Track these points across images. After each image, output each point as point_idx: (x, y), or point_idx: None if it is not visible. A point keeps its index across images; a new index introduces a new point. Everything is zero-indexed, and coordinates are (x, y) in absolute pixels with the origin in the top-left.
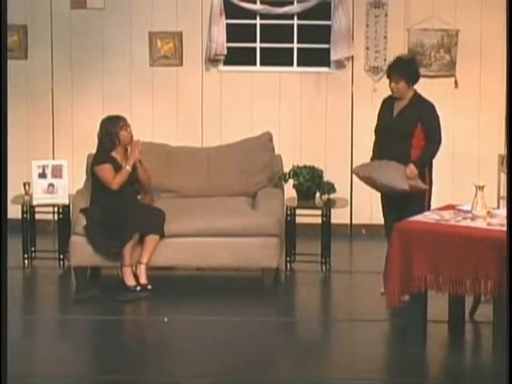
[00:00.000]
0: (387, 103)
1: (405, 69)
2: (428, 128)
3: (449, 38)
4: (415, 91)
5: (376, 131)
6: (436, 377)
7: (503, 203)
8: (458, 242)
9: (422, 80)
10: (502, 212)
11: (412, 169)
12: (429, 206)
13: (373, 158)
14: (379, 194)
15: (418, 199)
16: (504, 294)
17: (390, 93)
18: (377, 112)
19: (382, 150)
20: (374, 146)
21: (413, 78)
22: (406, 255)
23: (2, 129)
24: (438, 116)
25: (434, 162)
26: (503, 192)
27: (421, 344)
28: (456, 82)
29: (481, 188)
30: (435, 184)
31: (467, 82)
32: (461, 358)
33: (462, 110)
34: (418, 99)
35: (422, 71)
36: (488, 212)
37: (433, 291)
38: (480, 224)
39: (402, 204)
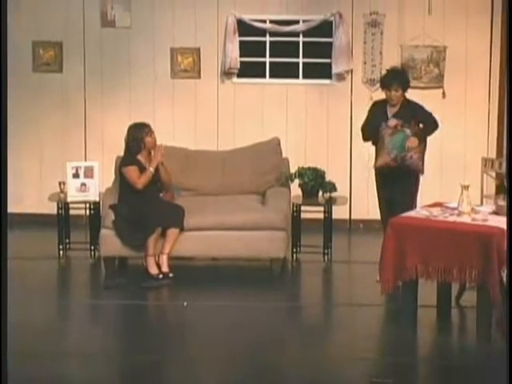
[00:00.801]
0: (379, 107)
1: (401, 78)
2: (423, 118)
3: (437, 54)
4: (404, 97)
5: (364, 130)
6: (425, 356)
7: (486, 201)
8: (445, 236)
9: (413, 91)
10: (485, 209)
11: (413, 140)
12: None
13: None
14: (375, 192)
15: (410, 193)
16: (486, 282)
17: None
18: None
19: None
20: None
21: (406, 86)
22: (399, 247)
23: (2, 129)
24: (427, 110)
25: (425, 165)
26: (486, 191)
27: (412, 326)
28: (444, 92)
29: (466, 187)
30: (425, 184)
31: (454, 93)
32: (448, 339)
33: (449, 117)
34: (407, 103)
35: (414, 83)
36: (472, 209)
37: (423, 279)
38: (465, 219)
39: (394, 195)
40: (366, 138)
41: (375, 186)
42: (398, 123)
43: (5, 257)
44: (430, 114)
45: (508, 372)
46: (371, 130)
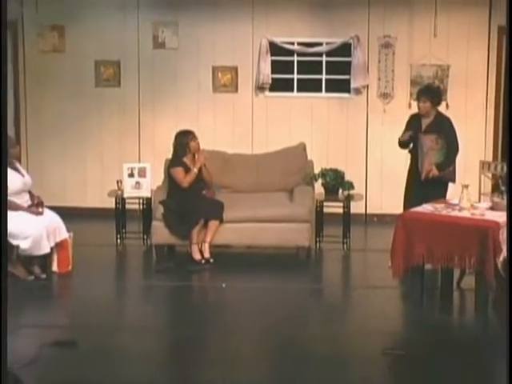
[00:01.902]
0: (415, 118)
1: (428, 92)
2: (448, 139)
3: (442, 72)
4: (437, 110)
5: (402, 140)
6: (430, 331)
7: (483, 198)
8: (448, 228)
9: None
10: (483, 205)
11: (434, 171)
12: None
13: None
14: (388, 190)
15: (441, 191)
16: (483, 268)
17: (396, 113)
18: (385, 127)
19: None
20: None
21: (434, 100)
22: (408, 237)
23: (3, 130)
24: (454, 129)
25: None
26: (483, 189)
27: (419, 305)
28: (447, 104)
29: (466, 186)
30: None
31: (456, 105)
32: (450, 317)
33: None
34: (440, 115)
35: None
36: (471, 205)
37: (428, 265)
38: (465, 214)
39: (428, 195)
40: (402, 146)
41: (407, 186)
42: (433, 140)
43: (5, 257)
44: (455, 140)
45: (508, 372)
46: (407, 140)
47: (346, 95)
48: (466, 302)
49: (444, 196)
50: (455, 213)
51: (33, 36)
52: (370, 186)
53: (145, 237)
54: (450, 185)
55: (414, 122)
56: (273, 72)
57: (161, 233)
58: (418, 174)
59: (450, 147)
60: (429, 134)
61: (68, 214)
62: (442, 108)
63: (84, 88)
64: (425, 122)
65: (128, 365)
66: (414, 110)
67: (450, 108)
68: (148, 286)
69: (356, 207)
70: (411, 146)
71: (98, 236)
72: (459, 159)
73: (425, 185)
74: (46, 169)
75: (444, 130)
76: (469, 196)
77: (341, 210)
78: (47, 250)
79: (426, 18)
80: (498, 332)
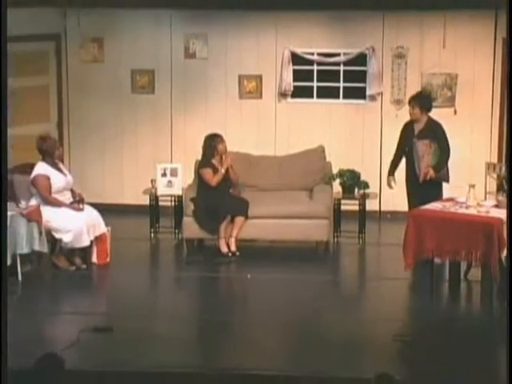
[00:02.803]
0: (408, 126)
1: (418, 99)
2: (440, 143)
3: (450, 80)
4: (428, 116)
5: (399, 146)
6: (440, 319)
7: (488, 197)
8: (456, 224)
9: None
10: (488, 203)
11: (431, 173)
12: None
13: (395, 163)
14: (400, 189)
15: (437, 191)
16: (488, 261)
17: (408, 118)
18: (397, 131)
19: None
20: (396, 157)
21: (423, 106)
22: (419, 233)
23: (3, 130)
24: (445, 134)
25: None
26: (488, 189)
27: (429, 296)
28: (455, 110)
29: (472, 186)
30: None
31: (463, 111)
32: (457, 306)
33: (459, 130)
34: (431, 121)
35: None
36: (478, 203)
37: (437, 259)
38: (472, 211)
39: (426, 194)
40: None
41: (407, 189)
42: (427, 144)
43: (4, 257)
44: (446, 137)
45: (508, 372)
46: (401, 146)
47: (361, 101)
48: (472, 292)
49: (440, 195)
50: (462, 210)
51: (75, 47)
52: (384, 186)
53: (176, 231)
54: (459, 184)
55: (406, 129)
56: (294, 80)
57: (191, 228)
58: (415, 176)
59: (443, 150)
60: (422, 139)
61: (106, 210)
62: (450, 114)
63: (121, 95)
64: (417, 128)
65: (161, 349)
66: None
67: (458, 113)
68: (179, 277)
69: (371, 205)
70: (407, 150)
71: (133, 230)
72: (465, 160)
73: (421, 186)
74: (87, 168)
75: (436, 134)
76: (475, 195)
77: (357, 208)
78: (87, 242)
79: (435, 31)
80: (502, 320)
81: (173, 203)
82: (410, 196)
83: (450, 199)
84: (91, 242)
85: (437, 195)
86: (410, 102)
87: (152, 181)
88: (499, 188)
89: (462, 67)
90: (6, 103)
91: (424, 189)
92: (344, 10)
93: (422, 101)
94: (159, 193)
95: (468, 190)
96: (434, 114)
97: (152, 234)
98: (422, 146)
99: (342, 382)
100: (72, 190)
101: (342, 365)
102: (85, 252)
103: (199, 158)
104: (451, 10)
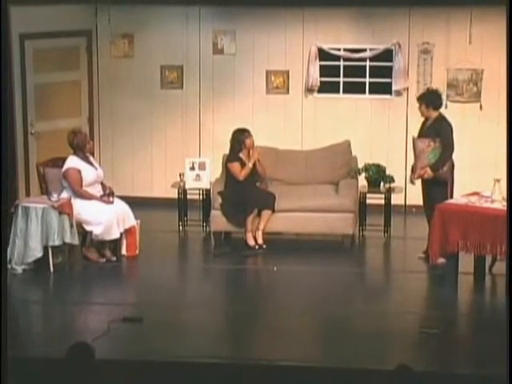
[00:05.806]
0: (423, 123)
1: (425, 97)
2: (444, 141)
3: (476, 75)
4: (439, 113)
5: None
6: (464, 312)
7: None
8: (480, 218)
9: (456, 104)
10: None
11: (429, 172)
12: (451, 194)
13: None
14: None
15: (442, 189)
16: None
17: None
18: None
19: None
20: None
21: (430, 104)
22: (444, 227)
23: (3, 130)
24: (451, 131)
25: (470, 162)
26: None
27: (454, 289)
28: (481, 105)
29: (498, 180)
30: (465, 177)
31: (489, 106)
32: (482, 300)
33: (485, 125)
34: (441, 118)
35: (457, 98)
36: (503, 197)
37: (463, 252)
38: (497, 205)
39: (431, 193)
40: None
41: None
42: (429, 143)
43: (4, 256)
44: (451, 142)
45: (508, 372)
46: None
47: (387, 96)
48: (497, 286)
49: (445, 196)
50: (487, 204)
51: (105, 43)
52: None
53: (204, 224)
54: (476, 178)
55: (421, 126)
56: (321, 75)
57: (219, 221)
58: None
59: (445, 148)
60: (423, 137)
61: (135, 203)
62: (476, 109)
63: (150, 90)
64: (426, 125)
65: (189, 338)
66: (450, 110)
67: (484, 108)
68: (207, 269)
69: (396, 199)
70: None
71: (162, 223)
72: (490, 155)
73: (425, 186)
74: (117, 162)
75: (441, 131)
76: (500, 189)
77: (382, 202)
78: (117, 235)
79: (461, 27)
80: None
81: (201, 197)
82: (422, 194)
83: (476, 193)
84: (121, 234)
85: (440, 194)
86: (417, 100)
87: (180, 174)
88: None
89: (488, 63)
90: (6, 103)
91: (427, 189)
92: (370, 6)
93: (428, 98)
94: (187, 186)
95: (493, 184)
96: (460, 108)
97: (180, 227)
98: (421, 144)
99: (366, 373)
100: (102, 184)
101: (366, 356)
102: (115, 244)
103: (227, 152)
104: (477, 5)
